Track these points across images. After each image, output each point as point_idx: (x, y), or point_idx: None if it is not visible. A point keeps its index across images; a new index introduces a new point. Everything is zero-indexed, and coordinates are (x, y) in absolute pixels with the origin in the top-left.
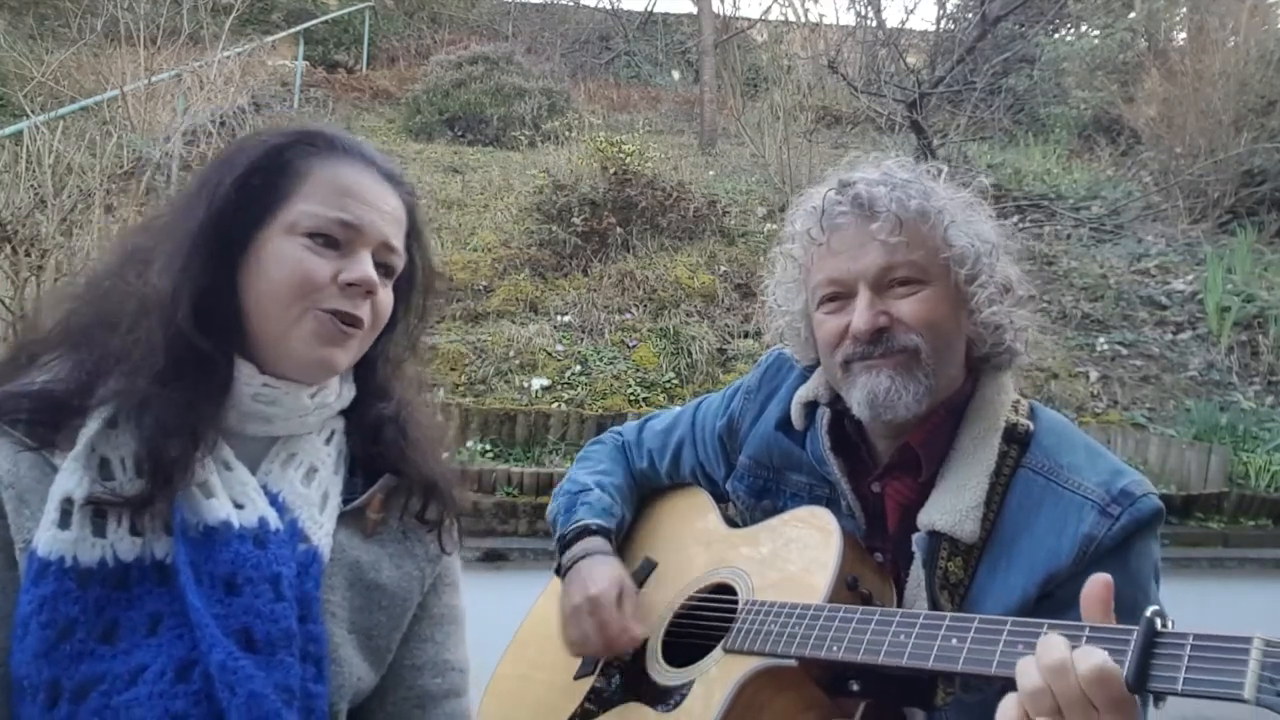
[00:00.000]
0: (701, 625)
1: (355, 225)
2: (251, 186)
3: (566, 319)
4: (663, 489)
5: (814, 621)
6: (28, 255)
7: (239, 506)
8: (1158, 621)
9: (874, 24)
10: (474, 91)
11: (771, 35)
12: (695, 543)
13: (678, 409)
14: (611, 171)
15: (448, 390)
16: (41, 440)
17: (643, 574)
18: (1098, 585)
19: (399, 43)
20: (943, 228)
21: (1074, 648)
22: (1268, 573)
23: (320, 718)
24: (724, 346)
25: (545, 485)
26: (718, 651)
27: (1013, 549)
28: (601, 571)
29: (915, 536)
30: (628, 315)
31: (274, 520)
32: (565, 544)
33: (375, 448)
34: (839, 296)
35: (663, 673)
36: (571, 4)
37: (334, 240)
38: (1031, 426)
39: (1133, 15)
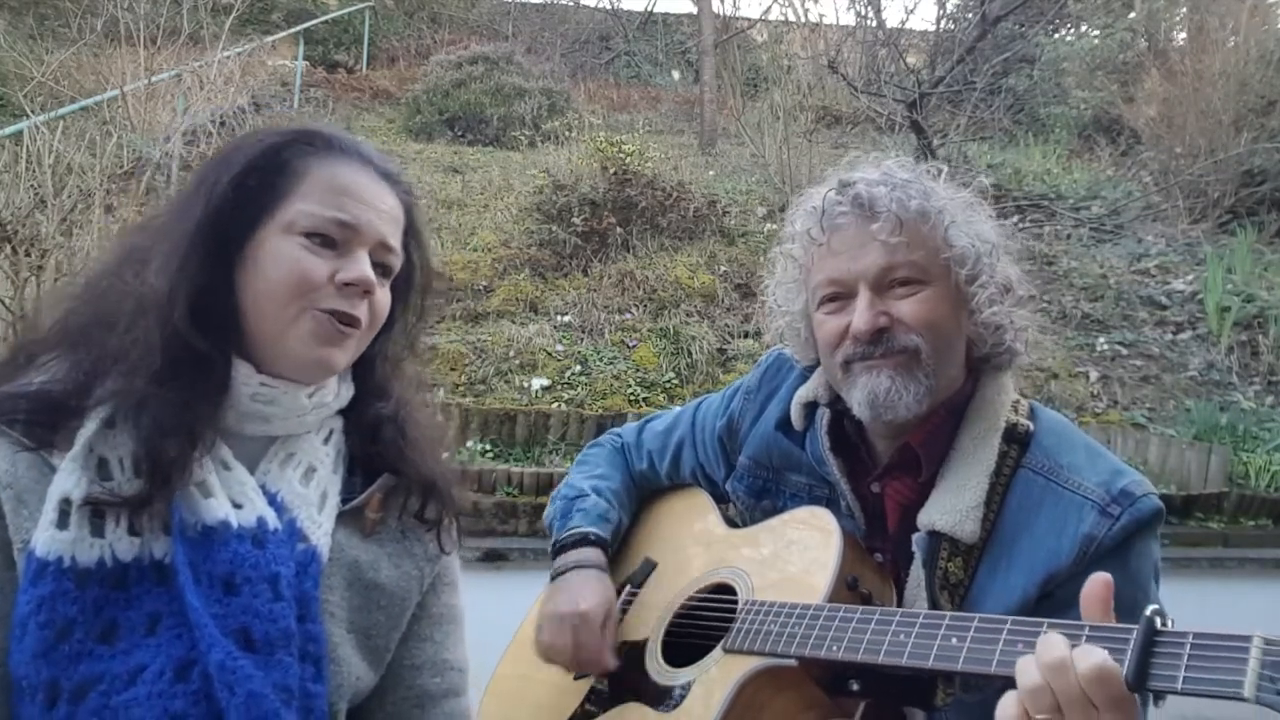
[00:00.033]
0: (701, 625)
1: (352, 225)
2: (249, 186)
3: (566, 319)
4: (663, 490)
5: (814, 621)
6: (28, 255)
7: (237, 506)
8: (1157, 620)
9: (874, 24)
10: (474, 91)
11: (771, 35)
12: (695, 543)
13: (677, 409)
14: (611, 171)
15: (448, 390)
16: (39, 440)
17: (642, 574)
18: (1097, 584)
19: (399, 43)
20: (943, 228)
21: (1074, 646)
22: (1268, 573)
23: (319, 717)
24: (724, 346)
25: (545, 485)
26: (717, 651)
27: (1013, 549)
28: (594, 589)
29: (915, 537)
30: (628, 315)
31: (272, 520)
32: (561, 549)
33: (374, 447)
34: (839, 297)
35: (662, 673)
36: (571, 4)
37: (331, 240)
38: (1031, 426)
39: (1133, 15)
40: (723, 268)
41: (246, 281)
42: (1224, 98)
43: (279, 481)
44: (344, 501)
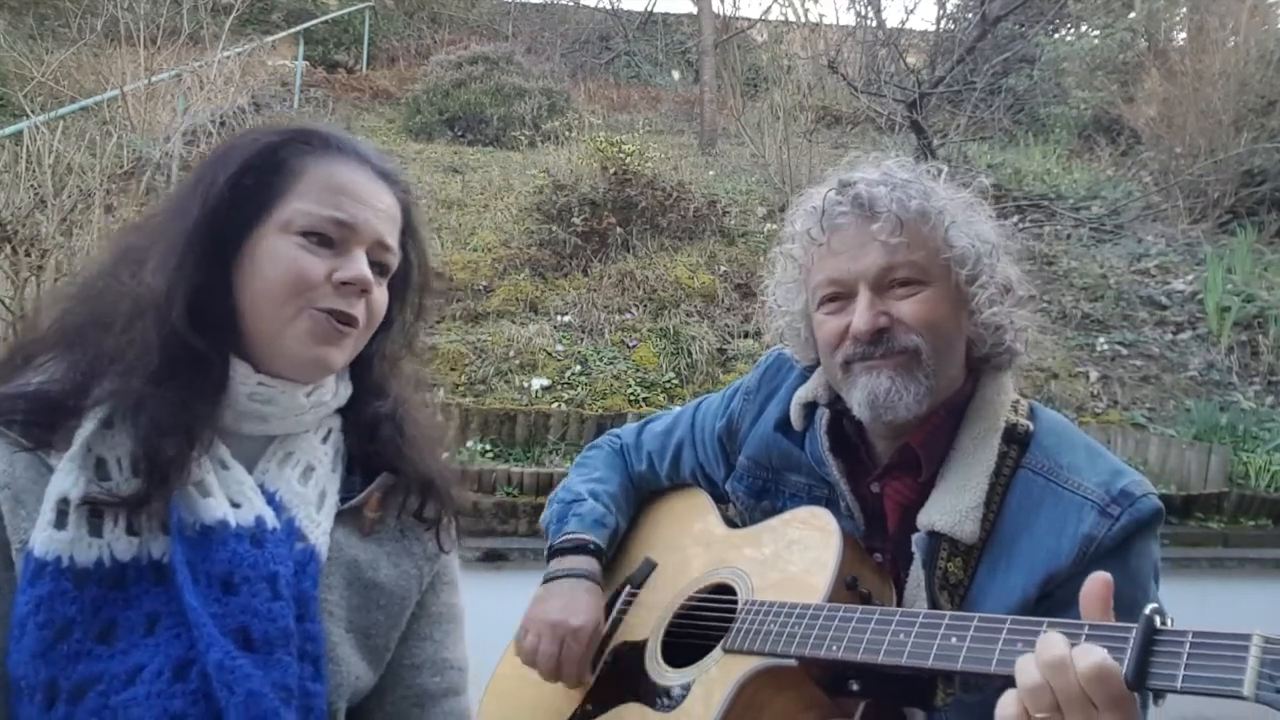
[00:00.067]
0: (701, 626)
1: (350, 224)
2: (245, 185)
3: (566, 319)
4: (662, 490)
5: (813, 621)
6: (28, 255)
7: (236, 506)
8: (1157, 619)
9: (874, 24)
10: (474, 91)
11: (771, 35)
12: (695, 543)
13: (677, 410)
14: (611, 171)
15: (448, 390)
16: (37, 441)
17: (642, 575)
18: (1097, 583)
19: (399, 43)
20: (943, 228)
21: (1073, 645)
22: (1268, 573)
23: (318, 716)
24: (724, 346)
25: (545, 485)
26: (717, 651)
27: (1013, 549)
28: (586, 603)
29: (915, 537)
30: (628, 315)
31: (271, 519)
32: (556, 553)
33: (373, 446)
34: (839, 297)
35: (662, 673)
36: (571, 4)
37: (328, 239)
38: (1031, 427)
39: (1133, 15)
40: (723, 268)
41: (244, 281)
42: (1224, 98)
43: (277, 481)
44: (343, 500)
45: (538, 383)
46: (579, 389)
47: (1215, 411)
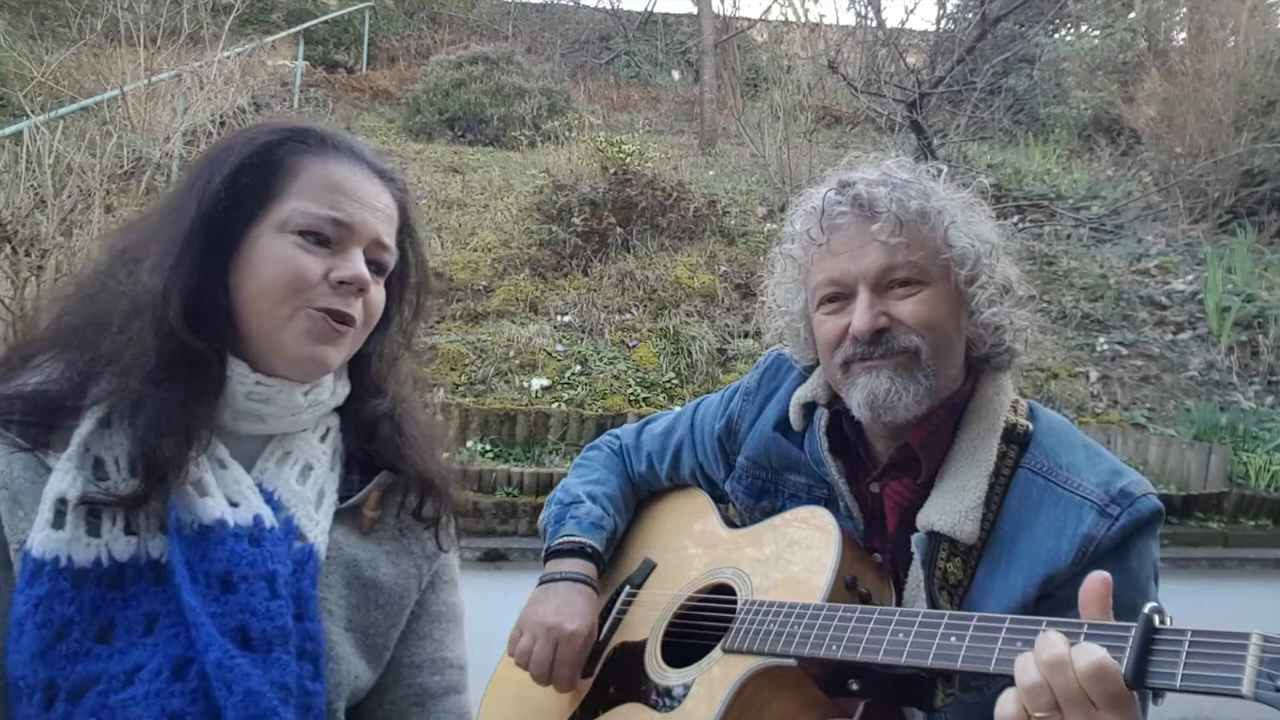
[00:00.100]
0: (701, 626)
1: (346, 223)
2: (242, 184)
3: (566, 319)
4: (662, 490)
5: (813, 621)
6: (28, 255)
7: (234, 505)
8: (1156, 618)
9: (874, 24)
10: (474, 91)
11: (771, 35)
12: (694, 544)
13: (676, 411)
14: (611, 171)
15: (448, 390)
16: (35, 441)
17: (642, 575)
18: (1096, 582)
19: (399, 43)
20: (943, 228)
21: (1072, 644)
22: (1268, 573)
23: (318, 715)
24: (724, 346)
25: (545, 485)
26: (717, 651)
27: (1012, 549)
28: (582, 608)
29: (914, 537)
30: (628, 315)
31: (269, 518)
32: (554, 554)
33: (371, 444)
34: (839, 297)
35: (662, 673)
36: (571, 4)
37: (325, 238)
38: (1031, 427)
39: (1133, 15)
40: (723, 268)
41: (240, 280)
42: (1224, 98)
43: (275, 480)
44: (342, 499)
45: (538, 383)
46: (579, 389)
47: (1215, 411)
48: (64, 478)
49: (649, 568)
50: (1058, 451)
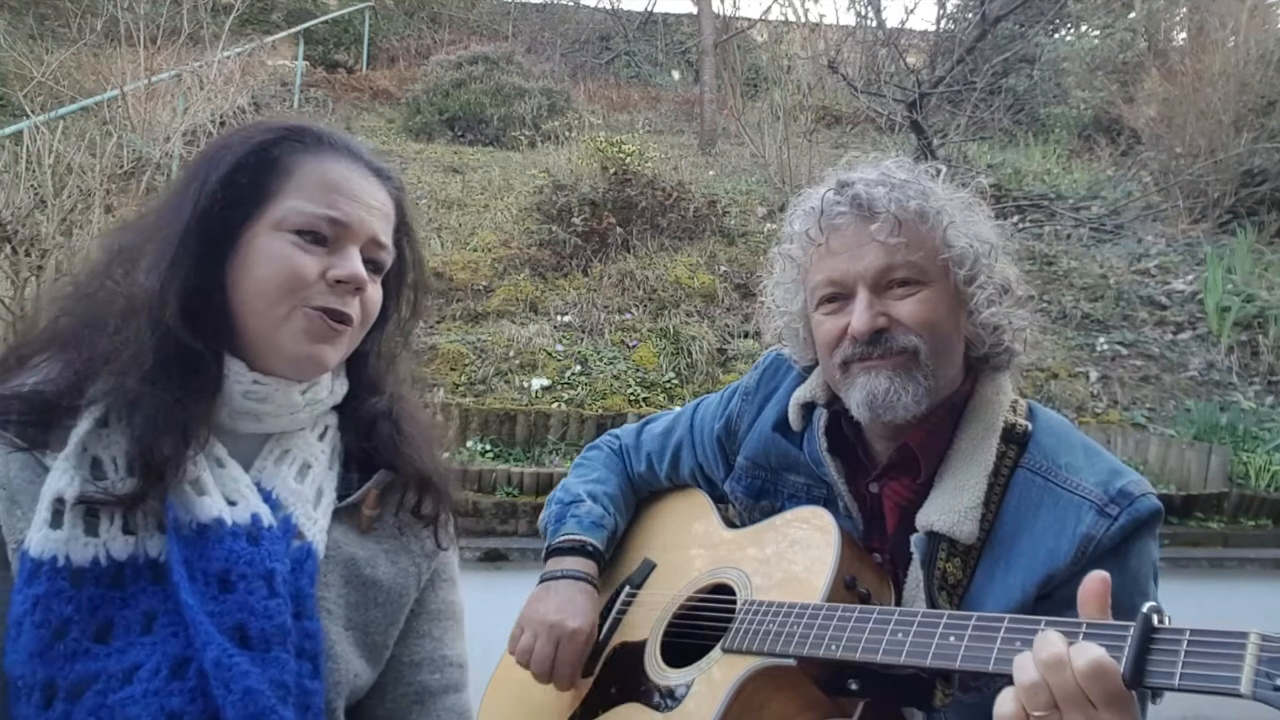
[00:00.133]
0: (700, 626)
1: (343, 222)
2: (238, 183)
3: (566, 319)
4: (662, 490)
5: (812, 621)
6: (28, 255)
7: (232, 503)
8: (1154, 617)
9: (874, 24)
10: (474, 91)
11: (771, 35)
12: (694, 544)
13: (676, 411)
14: (611, 171)
15: (448, 390)
16: (32, 441)
17: (641, 575)
18: (1095, 582)
19: (399, 43)
20: (942, 228)
21: (1071, 643)
22: (1268, 573)
23: (316, 714)
24: (724, 346)
25: (545, 485)
26: (716, 651)
27: (1011, 549)
28: (583, 607)
29: (914, 537)
30: (628, 315)
31: (267, 517)
32: (554, 553)
33: (369, 443)
34: (838, 297)
35: (662, 673)
36: (571, 4)
37: (322, 237)
38: (1030, 427)
39: (1133, 15)
40: (723, 268)
41: (237, 279)
42: (1224, 98)
43: (274, 478)
44: (340, 498)
45: (538, 383)
46: (579, 389)
47: (1215, 411)
48: (61, 477)
49: (649, 568)
50: (1057, 451)
